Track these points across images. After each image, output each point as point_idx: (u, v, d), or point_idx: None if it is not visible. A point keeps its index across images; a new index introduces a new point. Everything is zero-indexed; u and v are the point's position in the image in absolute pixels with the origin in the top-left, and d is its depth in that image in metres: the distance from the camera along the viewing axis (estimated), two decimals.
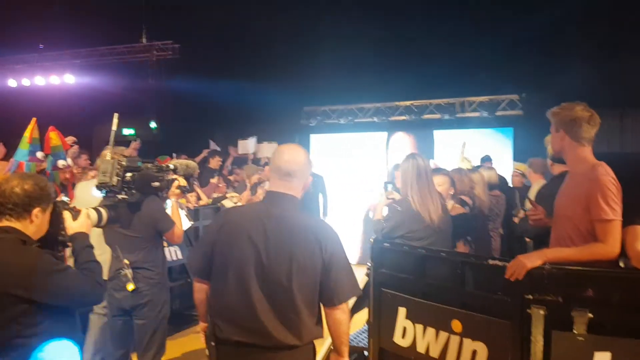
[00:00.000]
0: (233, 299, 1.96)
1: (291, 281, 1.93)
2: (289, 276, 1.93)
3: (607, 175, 2.24)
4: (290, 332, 1.94)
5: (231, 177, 7.82)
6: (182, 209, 3.87)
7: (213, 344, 1.99)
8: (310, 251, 1.95)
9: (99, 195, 2.60)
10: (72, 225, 2.10)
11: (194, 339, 5.02)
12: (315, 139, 9.70)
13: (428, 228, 3.02)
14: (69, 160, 4.58)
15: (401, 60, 7.87)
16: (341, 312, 2.02)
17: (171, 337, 4.83)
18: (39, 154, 4.45)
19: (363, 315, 3.77)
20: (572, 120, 2.34)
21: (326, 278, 1.97)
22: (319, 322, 2.04)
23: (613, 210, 2.18)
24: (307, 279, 1.95)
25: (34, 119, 4.59)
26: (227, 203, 6.59)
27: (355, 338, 3.77)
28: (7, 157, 5.87)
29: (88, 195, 2.92)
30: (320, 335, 2.06)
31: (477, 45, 7.27)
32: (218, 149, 8.43)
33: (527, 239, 3.72)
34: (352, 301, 3.68)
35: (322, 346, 3.59)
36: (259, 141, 8.70)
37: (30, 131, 4.44)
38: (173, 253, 5.38)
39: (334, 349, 2.12)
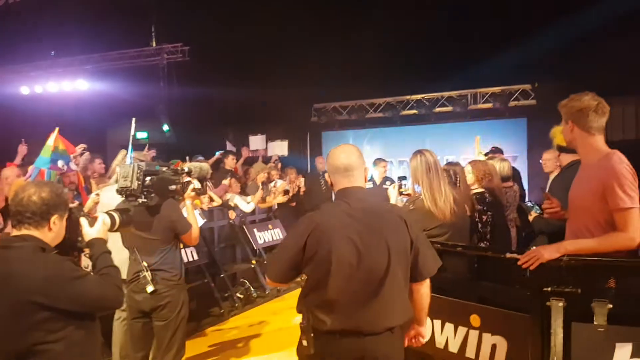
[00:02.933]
0: (335, 292, 2.03)
1: (390, 263, 2.03)
2: (388, 259, 2.03)
3: (622, 163, 2.22)
4: (392, 314, 2.06)
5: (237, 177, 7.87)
6: (195, 209, 3.91)
7: (312, 335, 2.10)
8: (402, 232, 2.08)
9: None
10: (89, 232, 2.13)
11: (212, 339, 5.09)
12: (327, 136, 9.72)
13: (443, 226, 3.01)
14: (72, 165, 4.64)
15: (411, 53, 7.83)
16: (426, 286, 2.18)
17: (189, 337, 4.90)
18: (60, 163, 4.52)
19: None
20: (578, 110, 2.33)
21: (416, 254, 2.10)
22: (408, 300, 2.15)
23: (631, 198, 2.16)
24: (403, 257, 2.08)
25: (57, 129, 4.66)
26: (239, 201, 6.65)
27: None
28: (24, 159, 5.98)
29: (115, 200, 2.97)
30: (412, 314, 2.17)
31: (488, 35, 7.20)
32: (234, 149, 8.49)
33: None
34: None
35: None
36: (271, 140, 8.74)
37: (54, 140, 4.51)
38: (189, 254, 5.44)
39: (417, 321, 2.25)
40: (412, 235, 2.09)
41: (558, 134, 3.08)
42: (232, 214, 6.49)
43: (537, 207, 3.32)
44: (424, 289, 2.19)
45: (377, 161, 7.26)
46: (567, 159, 3.08)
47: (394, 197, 3.47)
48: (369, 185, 7.14)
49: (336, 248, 2.03)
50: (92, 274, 2.03)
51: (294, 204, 7.99)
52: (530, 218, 2.67)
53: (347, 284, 2.03)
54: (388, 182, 6.94)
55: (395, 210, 2.23)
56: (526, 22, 6.88)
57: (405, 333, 2.23)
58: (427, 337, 2.36)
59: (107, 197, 3.74)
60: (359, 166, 2.16)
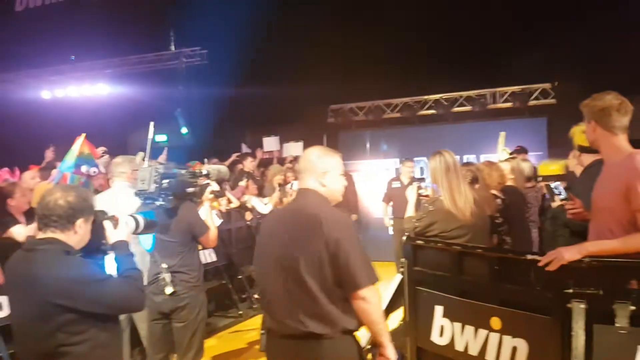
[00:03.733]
0: (267, 292, 2.15)
1: (300, 268, 2.02)
2: (299, 264, 2.03)
3: None
4: (315, 320, 2.01)
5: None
6: (213, 210, 3.96)
7: (263, 332, 2.24)
8: (316, 238, 2.02)
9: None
10: (112, 234, 2.17)
11: (230, 340, 5.14)
12: (343, 136, 9.71)
13: (463, 227, 3.00)
14: (101, 168, 4.73)
15: (428, 52, 7.78)
16: (362, 302, 2.02)
17: (207, 338, 4.95)
18: (83, 168, 4.61)
19: (399, 314, 3.78)
20: (601, 110, 2.30)
21: (336, 264, 2.01)
22: (347, 311, 2.05)
23: None
24: (315, 265, 2.01)
25: (83, 135, 4.75)
26: (257, 203, 6.68)
27: (392, 337, 3.77)
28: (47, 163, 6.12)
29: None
30: (353, 326, 2.09)
31: (506, 33, 7.11)
32: (249, 151, 8.54)
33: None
34: (385, 299, 3.69)
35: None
36: (285, 141, 8.77)
37: (81, 145, 4.60)
38: (207, 256, 5.51)
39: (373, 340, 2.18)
40: (329, 242, 2.00)
41: (578, 133, 3.04)
42: (248, 215, 6.54)
43: (564, 192, 3.27)
44: (361, 305, 2.02)
45: (404, 161, 7.23)
46: (588, 159, 3.04)
47: (412, 198, 3.46)
48: (397, 185, 7.12)
49: (261, 247, 2.22)
50: (115, 276, 2.08)
51: None
52: (554, 204, 2.62)
53: (269, 284, 2.12)
54: (416, 184, 6.91)
55: (319, 216, 2.06)
56: (546, 20, 6.78)
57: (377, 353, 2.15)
58: None
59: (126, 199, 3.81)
60: (308, 169, 2.22)
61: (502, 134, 6.32)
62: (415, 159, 8.66)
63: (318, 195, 2.19)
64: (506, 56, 7.32)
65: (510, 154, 6.24)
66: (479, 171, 3.73)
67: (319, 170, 2.19)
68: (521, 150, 6.30)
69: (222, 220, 5.11)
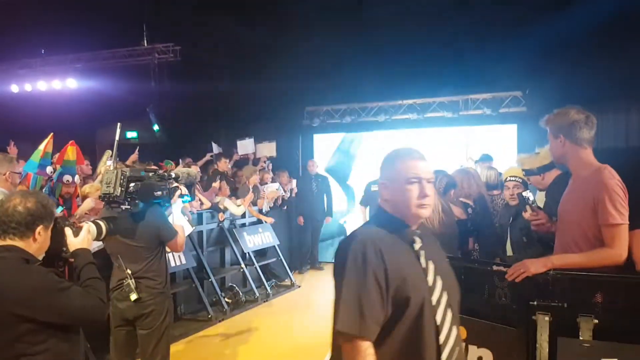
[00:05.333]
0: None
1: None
2: None
3: (614, 179, 2.22)
4: None
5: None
6: (184, 214, 3.87)
7: None
8: None
9: None
10: (73, 242, 2.09)
11: (199, 345, 5.04)
12: (318, 138, 9.69)
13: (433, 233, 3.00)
14: (77, 178, 4.58)
15: (404, 58, 7.82)
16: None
17: (175, 342, 4.85)
18: (49, 169, 4.44)
19: None
20: (570, 124, 2.32)
21: None
22: None
23: (621, 214, 2.16)
24: None
25: (51, 134, 4.56)
26: (229, 204, 6.61)
27: None
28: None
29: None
30: None
31: (479, 42, 7.21)
32: (220, 150, 8.43)
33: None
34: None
35: None
36: (258, 141, 8.71)
37: (45, 145, 4.42)
38: (177, 258, 5.40)
39: None
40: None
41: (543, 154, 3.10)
42: (221, 216, 6.46)
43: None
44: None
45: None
46: (551, 175, 3.10)
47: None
48: (375, 188, 7.14)
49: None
50: (75, 286, 2.00)
51: (285, 207, 7.97)
52: (526, 215, 2.63)
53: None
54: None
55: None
56: (520, 29, 6.89)
57: None
58: None
59: None
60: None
61: (467, 143, 6.43)
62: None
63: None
64: (479, 64, 7.42)
65: (476, 161, 6.32)
66: (448, 178, 3.74)
67: None
68: (486, 158, 6.38)
69: (193, 228, 5.00)
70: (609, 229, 2.17)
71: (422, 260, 1.66)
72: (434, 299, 1.62)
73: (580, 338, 2.10)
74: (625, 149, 7.25)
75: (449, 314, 1.64)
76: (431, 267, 1.66)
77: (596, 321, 2.10)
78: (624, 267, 2.24)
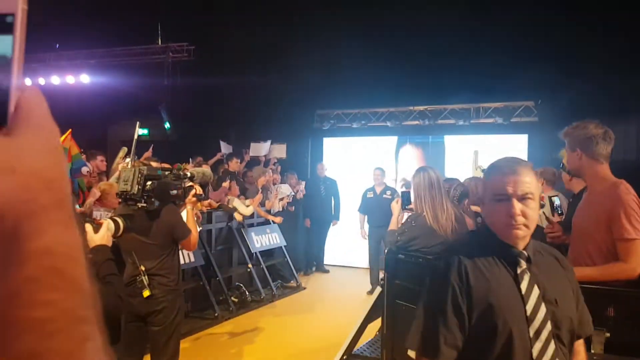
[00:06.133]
0: None
1: None
2: None
3: (630, 194, 2.22)
4: None
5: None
6: (195, 214, 3.91)
7: None
8: None
9: None
10: (93, 238, 2.12)
11: (206, 343, 5.07)
12: (328, 142, 9.71)
13: (444, 244, 3.02)
14: (89, 165, 4.61)
15: (416, 64, 7.84)
16: None
17: (182, 340, 4.88)
18: (84, 169, 4.43)
19: (375, 325, 3.78)
20: (587, 138, 2.33)
21: None
22: None
23: (636, 229, 2.16)
24: None
25: (69, 130, 4.54)
26: (238, 204, 6.65)
27: (368, 348, 3.78)
28: None
29: None
30: None
31: (493, 50, 7.21)
32: (230, 149, 8.47)
33: None
34: (364, 311, 3.70)
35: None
36: (271, 142, 8.75)
37: (69, 147, 4.38)
38: (186, 256, 5.43)
39: None
40: None
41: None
42: (238, 216, 6.51)
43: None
44: None
45: (374, 170, 7.31)
46: (579, 184, 3.09)
47: (396, 212, 3.48)
48: (370, 195, 7.18)
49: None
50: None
51: (292, 208, 8.00)
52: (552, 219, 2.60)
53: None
54: (389, 192, 6.97)
55: None
56: (532, 37, 6.89)
57: None
58: None
59: None
60: None
61: (476, 152, 6.39)
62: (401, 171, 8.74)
63: None
64: (492, 72, 7.41)
65: (483, 170, 6.32)
66: (461, 187, 3.76)
67: None
68: None
69: (200, 228, 5.05)
70: (624, 243, 2.17)
71: (524, 285, 1.45)
72: (532, 330, 1.42)
73: (592, 351, 2.11)
74: (637, 162, 7.22)
75: (551, 348, 1.42)
76: (535, 293, 1.45)
77: (608, 335, 2.10)
78: (638, 282, 2.24)
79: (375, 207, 6.97)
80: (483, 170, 6.18)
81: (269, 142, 8.54)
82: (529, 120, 8.23)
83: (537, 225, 3.03)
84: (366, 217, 7.35)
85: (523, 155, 8.12)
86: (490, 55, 7.20)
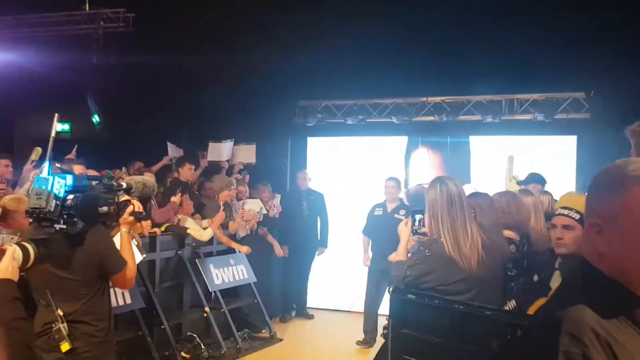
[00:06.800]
0: None
1: None
2: None
3: None
4: None
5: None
6: (132, 238, 3.87)
7: None
8: None
9: None
10: None
11: None
12: (313, 143, 9.73)
13: (468, 280, 3.02)
14: None
15: (431, 42, 7.89)
16: None
17: None
18: None
19: None
20: None
21: None
22: None
23: None
24: None
25: None
26: (193, 225, 6.61)
27: None
28: None
29: None
30: None
31: (532, 26, 7.29)
32: (181, 152, 8.43)
33: None
34: None
35: None
36: (235, 143, 8.73)
37: None
38: (120, 296, 5.38)
39: None
40: None
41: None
42: (201, 236, 6.48)
43: None
44: None
45: (386, 181, 7.33)
46: None
47: (405, 236, 3.47)
48: (379, 212, 7.20)
49: None
50: None
51: (264, 231, 7.97)
52: None
53: None
54: (403, 212, 6.96)
55: None
56: (584, 15, 6.97)
57: None
58: None
59: None
60: None
61: (510, 158, 6.45)
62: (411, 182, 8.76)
63: None
64: (530, 55, 7.49)
65: (519, 183, 6.37)
66: (492, 205, 3.77)
67: None
68: (535, 179, 6.39)
69: (144, 256, 5.02)
70: None
71: None
72: None
73: None
74: None
75: None
76: None
77: None
78: None
79: (382, 230, 6.97)
80: (519, 183, 6.27)
81: (231, 143, 8.52)
82: (579, 117, 8.34)
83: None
84: (370, 242, 7.36)
85: (571, 162, 8.23)
86: (529, 32, 7.28)
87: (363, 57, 8.13)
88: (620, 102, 6.92)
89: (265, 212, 7.84)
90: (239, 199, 7.75)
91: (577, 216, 3.02)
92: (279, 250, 8.08)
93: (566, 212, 3.07)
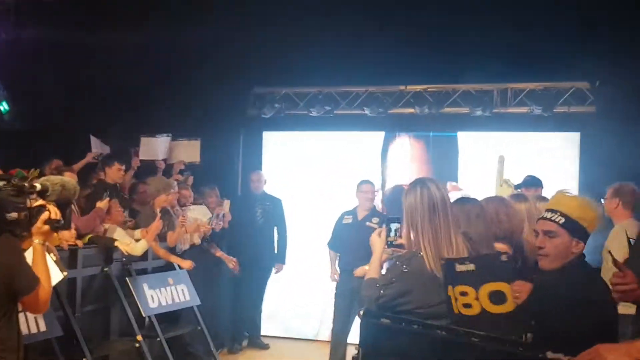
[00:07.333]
0: None
1: None
2: None
3: None
4: None
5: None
6: (49, 252, 3.82)
7: None
8: None
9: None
10: None
11: None
12: (270, 139, 9.72)
13: None
14: None
15: (411, 22, 7.95)
16: None
17: None
18: None
19: None
20: None
21: None
22: None
23: None
24: None
25: None
26: (122, 237, 6.53)
27: None
28: None
29: None
30: None
31: (529, 7, 7.39)
32: (107, 149, 8.33)
33: None
34: None
35: None
36: (173, 138, 8.67)
37: None
38: (33, 322, 5.29)
39: None
40: None
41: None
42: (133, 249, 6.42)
43: None
44: None
45: (360, 184, 7.36)
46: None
47: (379, 249, 3.47)
48: (348, 221, 7.22)
49: None
50: None
51: (210, 244, 7.92)
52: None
53: None
54: (376, 220, 7.01)
55: None
56: None
57: None
58: None
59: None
60: None
61: (501, 158, 6.53)
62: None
63: None
64: (526, 38, 7.59)
65: (517, 187, 6.46)
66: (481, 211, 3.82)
67: None
68: (531, 183, 6.48)
69: (65, 274, 4.95)
70: None
71: None
72: None
73: None
74: None
75: None
76: None
77: None
78: None
79: (352, 241, 7.01)
80: (517, 187, 6.33)
81: (168, 138, 8.45)
82: (582, 111, 8.48)
83: (593, 271, 3.12)
84: (338, 256, 7.37)
85: (573, 163, 8.36)
86: (525, 12, 7.37)
87: (330, 36, 8.15)
88: (630, 93, 7.06)
89: (214, 221, 7.77)
90: (181, 205, 7.69)
91: (562, 219, 2.99)
92: (233, 264, 8.03)
93: (549, 215, 3.03)
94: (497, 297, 3.01)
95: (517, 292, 2.98)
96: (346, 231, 7.29)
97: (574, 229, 2.98)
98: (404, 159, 9.23)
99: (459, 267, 3.02)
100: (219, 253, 8.02)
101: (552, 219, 3.00)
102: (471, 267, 3.01)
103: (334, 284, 7.43)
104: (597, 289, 2.93)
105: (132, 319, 6.51)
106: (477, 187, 7.39)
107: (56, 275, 4.26)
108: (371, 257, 3.54)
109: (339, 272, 7.40)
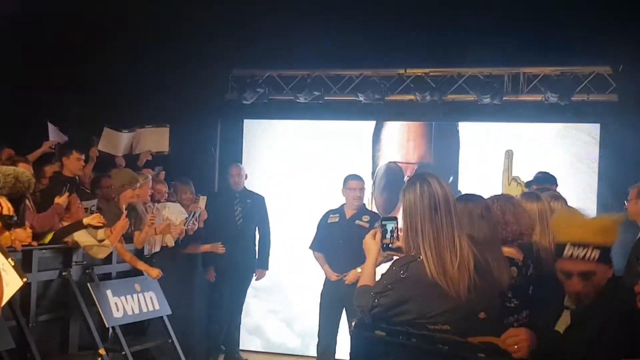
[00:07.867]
0: None
1: None
2: None
3: None
4: None
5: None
6: (6, 256, 3.84)
7: None
8: None
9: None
10: None
11: None
12: (252, 127, 9.73)
13: (455, 310, 3.07)
14: None
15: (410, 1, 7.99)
16: None
17: None
18: None
19: None
20: None
21: None
22: None
23: None
24: None
25: None
26: (82, 236, 6.52)
27: None
28: None
29: None
30: None
31: None
32: (65, 138, 8.31)
33: None
34: None
35: None
36: (139, 125, 8.67)
37: None
38: None
39: None
40: None
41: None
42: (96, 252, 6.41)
43: None
44: None
45: (348, 180, 7.38)
46: None
47: (373, 253, 3.49)
48: (335, 219, 7.23)
49: None
50: None
51: (180, 247, 7.93)
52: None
53: None
54: (366, 218, 7.05)
55: None
56: None
57: None
58: None
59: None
60: None
61: (508, 153, 6.59)
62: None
63: None
64: (541, 17, 7.62)
65: (526, 185, 6.49)
66: (487, 211, 3.85)
67: None
68: (544, 180, 6.50)
69: (25, 280, 4.96)
70: None
71: None
72: None
73: None
74: None
75: None
76: None
77: None
78: None
79: (339, 243, 7.06)
80: (527, 184, 6.36)
81: (133, 133, 8.47)
82: (603, 99, 8.50)
83: (615, 279, 3.17)
84: (323, 259, 7.37)
85: (592, 158, 8.38)
86: None
87: (321, 13, 8.17)
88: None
89: (188, 220, 7.76)
90: (155, 202, 7.70)
91: (597, 254, 2.90)
92: (222, 249, 8.13)
93: (580, 252, 2.93)
94: None
95: (513, 344, 2.85)
96: (332, 232, 7.31)
97: (608, 256, 2.95)
98: (399, 138, 9.30)
99: None
100: (205, 247, 8.09)
101: (587, 257, 2.91)
102: None
103: (319, 292, 7.40)
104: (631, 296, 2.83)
105: (93, 330, 6.49)
106: (482, 183, 7.40)
107: (14, 282, 4.25)
108: (363, 261, 3.57)
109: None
